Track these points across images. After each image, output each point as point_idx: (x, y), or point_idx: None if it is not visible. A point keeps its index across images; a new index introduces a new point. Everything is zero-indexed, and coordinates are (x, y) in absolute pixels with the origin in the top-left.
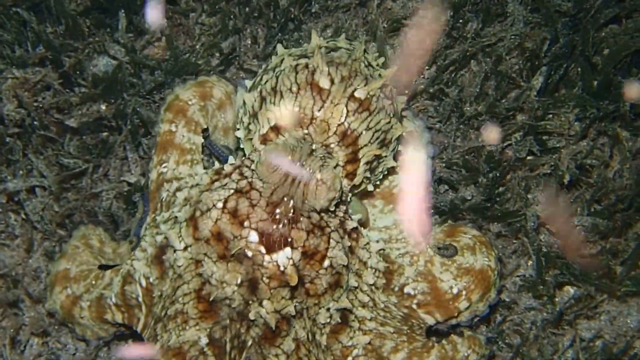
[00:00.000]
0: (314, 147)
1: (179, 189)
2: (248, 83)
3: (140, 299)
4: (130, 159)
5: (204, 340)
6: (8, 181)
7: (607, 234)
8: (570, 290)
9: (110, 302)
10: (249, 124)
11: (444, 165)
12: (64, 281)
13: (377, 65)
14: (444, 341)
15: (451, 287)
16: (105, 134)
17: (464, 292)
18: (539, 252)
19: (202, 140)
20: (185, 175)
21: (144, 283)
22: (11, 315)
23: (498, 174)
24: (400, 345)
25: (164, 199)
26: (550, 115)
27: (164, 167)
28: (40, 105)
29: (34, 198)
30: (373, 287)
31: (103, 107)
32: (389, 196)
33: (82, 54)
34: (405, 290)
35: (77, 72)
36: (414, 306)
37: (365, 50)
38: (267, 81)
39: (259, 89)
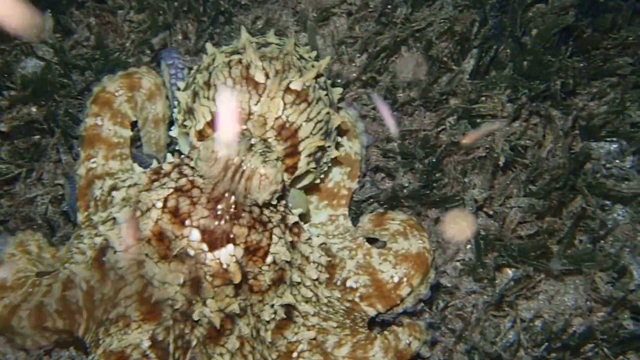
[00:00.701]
0: (252, 141)
1: (115, 188)
2: (180, 84)
3: (80, 304)
4: (63, 161)
5: (146, 343)
6: None
7: (543, 213)
8: (508, 272)
9: (50, 310)
10: (184, 120)
11: (380, 153)
12: (1, 292)
13: (310, 57)
14: (385, 332)
15: (392, 277)
16: (37, 137)
17: (404, 279)
18: (477, 236)
19: (130, 133)
20: (116, 171)
21: (84, 287)
22: None
23: (434, 159)
24: (344, 340)
25: (97, 198)
26: (483, 98)
27: (93, 162)
28: None
29: None
30: (316, 282)
31: (34, 109)
32: (323, 192)
33: (9, 55)
34: (348, 284)
35: (5, 75)
36: (357, 299)
37: (295, 44)
38: (200, 78)
39: (192, 88)
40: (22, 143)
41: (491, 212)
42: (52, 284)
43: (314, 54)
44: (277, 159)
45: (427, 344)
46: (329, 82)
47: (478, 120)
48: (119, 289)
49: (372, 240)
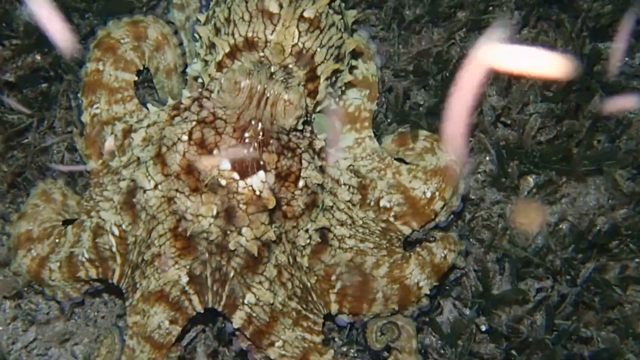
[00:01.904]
0: (272, 69)
1: (129, 131)
2: (201, 17)
3: (114, 249)
4: (74, 107)
5: (185, 279)
6: None
7: (562, 117)
8: (530, 179)
9: (82, 259)
10: (206, 55)
11: (391, 73)
12: (27, 243)
13: None
14: (418, 249)
15: (424, 192)
16: (44, 85)
17: (437, 193)
18: (498, 145)
19: (134, 77)
20: (122, 115)
21: (116, 232)
22: None
23: (447, 74)
24: (381, 260)
25: (112, 142)
26: (491, 8)
27: (96, 108)
28: None
29: None
30: (350, 204)
31: (38, 57)
32: (345, 116)
33: (7, 3)
34: (381, 203)
35: (4, 24)
36: (392, 219)
37: None
38: (219, 13)
39: (212, 22)
40: (31, 92)
41: (509, 122)
42: (80, 233)
43: None
44: (298, 84)
45: (462, 254)
46: (342, 5)
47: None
48: (151, 229)
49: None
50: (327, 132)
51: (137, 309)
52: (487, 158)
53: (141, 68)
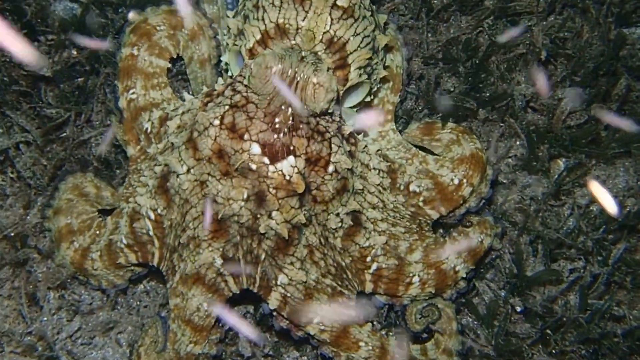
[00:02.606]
0: (303, 54)
1: (165, 119)
2: (230, 13)
3: (151, 233)
4: (111, 95)
5: (219, 261)
6: None
7: (590, 101)
8: (560, 163)
9: (121, 245)
10: (234, 43)
11: (421, 61)
12: (68, 236)
13: None
14: (454, 233)
15: (452, 179)
16: (81, 79)
17: (464, 180)
18: (528, 130)
19: (168, 65)
20: (160, 101)
21: (152, 216)
22: (23, 273)
23: (477, 61)
24: (414, 245)
25: (149, 131)
26: None
27: (132, 93)
28: (8, 60)
29: (22, 154)
30: (380, 188)
31: (74, 52)
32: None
33: None
34: (411, 187)
35: (39, 21)
36: (421, 203)
37: None
38: (249, 2)
39: (242, 13)
40: (67, 87)
41: (538, 107)
42: (118, 220)
43: None
44: (328, 69)
45: (498, 236)
46: (374, 7)
47: (515, 18)
48: (185, 213)
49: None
50: (352, 119)
51: (177, 292)
52: (518, 142)
53: (175, 56)
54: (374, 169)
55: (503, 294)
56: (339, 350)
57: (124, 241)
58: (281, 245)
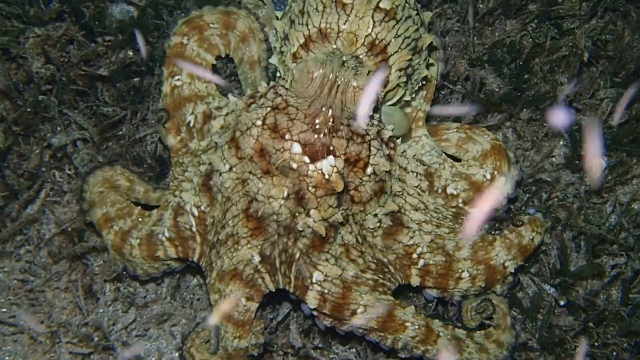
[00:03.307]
0: (344, 58)
1: (209, 116)
2: (278, 14)
3: (194, 229)
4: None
5: (257, 258)
6: (51, 137)
7: (632, 101)
8: (602, 161)
9: (162, 238)
10: (282, 46)
11: (467, 62)
12: (107, 223)
13: None
14: (506, 232)
15: (484, 175)
16: (136, 79)
17: (495, 172)
18: (571, 130)
19: (214, 60)
20: (205, 94)
21: (195, 212)
22: (80, 267)
23: (521, 62)
24: (461, 243)
25: (192, 125)
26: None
27: (177, 79)
28: (67, 60)
29: (79, 151)
30: (419, 190)
31: (130, 53)
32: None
33: (100, 1)
34: (448, 190)
35: (96, 22)
36: (461, 204)
37: None
38: (295, 6)
39: (288, 15)
40: (124, 86)
41: (580, 107)
42: (163, 212)
43: None
44: (368, 73)
45: (548, 230)
46: (419, 5)
47: (558, 22)
48: (226, 210)
49: None
50: (396, 123)
51: (215, 288)
52: (561, 143)
53: (223, 55)
54: (411, 172)
55: (547, 287)
56: (386, 334)
57: (166, 234)
58: (317, 242)
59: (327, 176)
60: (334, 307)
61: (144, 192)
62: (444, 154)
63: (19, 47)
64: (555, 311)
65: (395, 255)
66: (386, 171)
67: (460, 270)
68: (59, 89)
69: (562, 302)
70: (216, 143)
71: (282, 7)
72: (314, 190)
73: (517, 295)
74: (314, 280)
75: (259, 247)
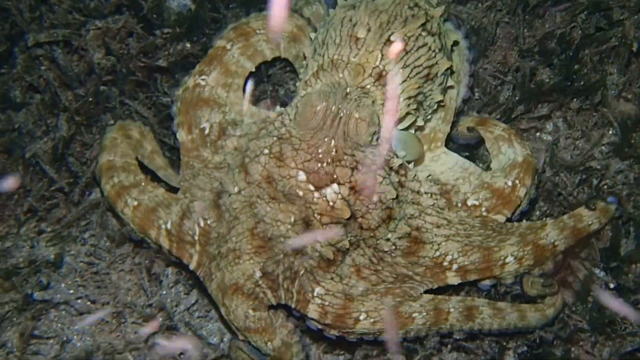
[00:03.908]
0: (348, 90)
1: (224, 131)
2: (312, 35)
3: (196, 237)
4: None
5: (258, 274)
6: None
7: None
8: None
9: (162, 226)
10: (301, 73)
11: (517, 54)
12: (109, 172)
13: (426, 3)
14: (564, 217)
15: (506, 183)
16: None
17: (518, 182)
18: (621, 118)
19: (253, 68)
20: (224, 102)
21: (202, 224)
22: (143, 250)
23: (571, 53)
24: (503, 240)
25: (206, 133)
26: None
27: (202, 78)
28: (126, 51)
29: None
30: (437, 208)
31: (188, 45)
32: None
33: None
34: (469, 202)
35: (154, 15)
36: (485, 213)
37: None
38: (320, 34)
39: (314, 44)
40: (182, 77)
41: (629, 96)
42: (172, 203)
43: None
44: (372, 102)
45: (614, 219)
46: (443, 26)
47: (607, 13)
48: (232, 227)
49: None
50: (409, 149)
51: (221, 302)
52: (610, 131)
53: (269, 59)
54: (425, 193)
55: (597, 271)
56: (395, 331)
57: (168, 226)
58: (323, 265)
59: (331, 203)
60: (335, 317)
61: (150, 152)
62: (471, 166)
63: (80, 40)
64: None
65: (424, 267)
66: (393, 198)
67: (502, 258)
68: (120, 80)
69: (612, 285)
70: (229, 164)
71: (331, 2)
72: (319, 217)
73: (567, 279)
74: (315, 294)
75: (261, 263)
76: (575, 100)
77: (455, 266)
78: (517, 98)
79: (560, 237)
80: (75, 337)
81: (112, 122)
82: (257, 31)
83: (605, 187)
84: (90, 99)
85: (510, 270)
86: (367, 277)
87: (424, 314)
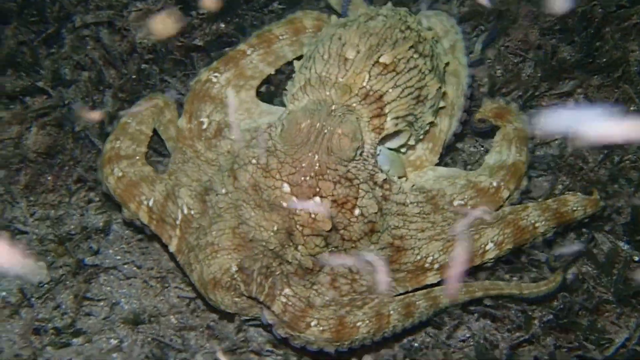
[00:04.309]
0: (333, 107)
1: (219, 131)
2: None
3: (178, 222)
4: None
5: (234, 268)
6: None
7: None
8: None
9: (145, 202)
10: (288, 85)
11: (538, 32)
12: (117, 134)
13: (418, 27)
14: (549, 201)
15: (491, 183)
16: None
17: (502, 184)
18: None
19: (272, 72)
20: (228, 104)
21: (185, 211)
22: None
23: (592, 30)
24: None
25: (204, 127)
26: None
27: (215, 76)
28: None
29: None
30: (423, 215)
31: (222, 25)
32: (405, 162)
33: None
34: (455, 203)
35: None
36: (470, 210)
37: (406, 16)
38: (309, 48)
39: (303, 59)
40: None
41: None
42: (156, 181)
43: (426, 25)
44: (357, 119)
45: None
46: (438, 49)
47: None
48: (213, 223)
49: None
50: (395, 167)
51: (202, 293)
52: (632, 108)
53: (290, 60)
54: (411, 203)
55: (621, 244)
56: (342, 342)
57: (150, 203)
58: (300, 272)
59: (313, 216)
60: (291, 317)
61: (167, 121)
62: (462, 172)
63: (123, 20)
64: (630, 266)
65: (405, 272)
66: (375, 212)
67: (482, 246)
68: (159, 59)
69: (636, 258)
70: (220, 165)
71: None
72: (301, 228)
73: (592, 251)
74: (283, 293)
75: (239, 260)
76: (596, 77)
77: (436, 265)
78: (539, 75)
79: (541, 219)
80: (123, 300)
81: None
82: (280, 37)
83: (628, 162)
84: (133, 77)
85: (490, 257)
86: (340, 286)
87: (367, 323)
